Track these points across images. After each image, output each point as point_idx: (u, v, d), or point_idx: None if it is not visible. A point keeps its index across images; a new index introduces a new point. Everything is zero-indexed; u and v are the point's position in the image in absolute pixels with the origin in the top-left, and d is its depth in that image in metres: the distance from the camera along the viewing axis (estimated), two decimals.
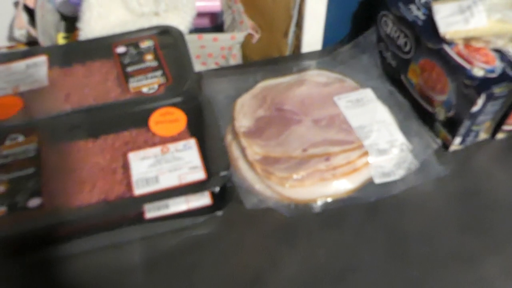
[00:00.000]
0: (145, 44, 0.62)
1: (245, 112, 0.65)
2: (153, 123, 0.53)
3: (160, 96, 0.56)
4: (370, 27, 0.74)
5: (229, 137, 0.63)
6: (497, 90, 0.56)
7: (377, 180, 0.59)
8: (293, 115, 0.65)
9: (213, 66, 0.77)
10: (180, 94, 0.56)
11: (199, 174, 0.48)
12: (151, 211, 0.49)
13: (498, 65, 0.58)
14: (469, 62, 0.58)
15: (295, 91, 0.68)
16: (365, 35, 0.74)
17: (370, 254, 0.53)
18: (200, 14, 0.78)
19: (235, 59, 0.77)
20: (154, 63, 0.60)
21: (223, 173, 0.48)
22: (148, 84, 0.57)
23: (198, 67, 0.76)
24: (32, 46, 0.78)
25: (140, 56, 0.61)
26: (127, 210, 0.47)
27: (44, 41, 0.73)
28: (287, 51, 0.79)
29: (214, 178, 0.48)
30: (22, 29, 0.78)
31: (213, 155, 0.50)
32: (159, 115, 0.53)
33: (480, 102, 0.56)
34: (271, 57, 0.80)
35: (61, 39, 0.77)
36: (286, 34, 0.77)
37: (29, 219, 0.45)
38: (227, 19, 0.78)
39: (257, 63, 0.79)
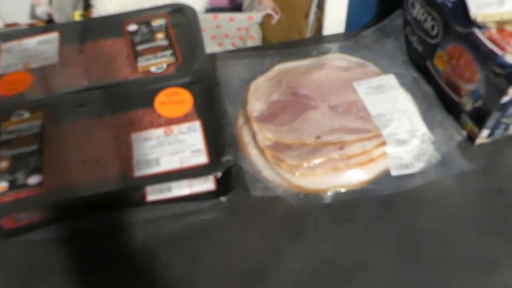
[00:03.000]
0: (157, 22, 0.60)
1: (258, 95, 0.63)
2: (158, 104, 0.51)
3: (168, 76, 0.54)
4: (396, 10, 0.69)
5: (240, 121, 0.61)
6: None
7: (394, 172, 0.55)
8: (308, 100, 0.62)
9: (229, 47, 0.75)
10: (188, 74, 0.54)
11: (201, 158, 0.46)
12: (153, 194, 0.47)
13: None
14: (502, 48, 0.53)
15: (313, 75, 0.65)
16: (391, 18, 0.69)
17: (381, 252, 0.50)
18: None
19: (253, 40, 0.74)
20: (165, 42, 0.58)
21: (226, 158, 0.46)
22: (157, 63, 0.55)
23: (214, 48, 0.73)
24: (51, 23, 0.78)
25: (151, 34, 0.59)
26: (125, 192, 0.46)
27: (59, 18, 0.72)
28: (308, 33, 0.75)
29: (216, 163, 0.46)
30: (40, 6, 0.77)
31: (217, 139, 0.48)
32: (165, 96, 0.51)
33: (511, 92, 0.52)
34: (291, 40, 0.77)
35: (77, 17, 0.76)
36: (307, 15, 0.74)
37: (28, 197, 0.44)
38: (246, 0, 0.75)
39: (275, 45, 0.76)
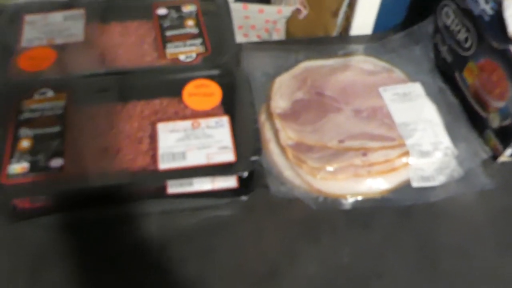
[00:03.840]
0: (188, 8, 0.59)
1: (282, 92, 0.62)
2: (186, 95, 0.50)
3: (197, 66, 0.53)
4: (428, 17, 0.68)
5: (262, 117, 0.60)
6: None
7: (415, 184, 0.55)
8: (333, 102, 0.61)
9: (254, 38, 0.73)
10: (218, 66, 0.53)
11: (229, 156, 0.46)
12: (174, 187, 0.47)
13: None
14: None
15: (338, 77, 0.64)
16: (421, 24, 0.68)
17: (398, 262, 0.50)
18: None
19: (279, 34, 0.73)
20: (195, 30, 0.56)
21: (253, 158, 0.45)
22: (186, 51, 0.54)
23: (239, 38, 0.72)
24: None
25: (180, 20, 0.58)
26: (149, 184, 0.45)
27: None
28: (335, 32, 0.74)
29: (243, 162, 0.45)
30: None
31: (245, 137, 0.47)
32: (194, 87, 0.50)
33: None
34: (316, 36, 0.75)
35: None
36: (336, 13, 0.72)
37: (49, 181, 0.43)
38: None
39: (301, 41, 0.75)
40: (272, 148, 0.57)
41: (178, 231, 0.50)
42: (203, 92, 0.50)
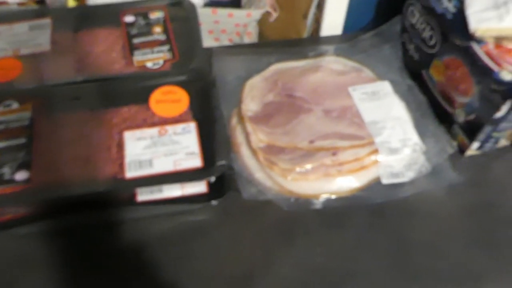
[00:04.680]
0: (155, 15, 0.59)
1: (254, 95, 0.62)
2: (153, 102, 0.50)
3: (164, 73, 0.53)
4: (396, 16, 0.69)
5: (234, 121, 0.60)
6: None
7: (385, 181, 0.56)
8: (303, 103, 0.61)
9: (226, 42, 0.74)
10: (185, 72, 0.53)
11: (196, 162, 0.46)
12: (144, 194, 0.47)
13: None
14: (498, 64, 0.54)
15: (308, 78, 0.64)
16: (389, 23, 0.69)
17: (371, 260, 0.50)
18: None
19: (250, 37, 0.73)
20: (162, 37, 0.57)
21: (220, 163, 0.45)
22: (154, 58, 0.54)
23: (210, 42, 0.72)
24: (41, 4, 0.75)
25: (148, 27, 0.58)
26: (116, 193, 0.45)
27: (51, 2, 0.70)
28: (305, 33, 0.75)
29: (210, 168, 0.45)
30: None
31: (213, 142, 0.47)
32: (161, 94, 0.50)
33: (504, 108, 0.52)
34: (288, 38, 0.76)
35: (71, 1, 0.74)
36: (305, 15, 0.73)
37: (13, 194, 0.43)
38: None
39: (272, 43, 0.76)
40: (244, 151, 0.57)
41: (152, 237, 0.50)
42: (170, 99, 0.50)
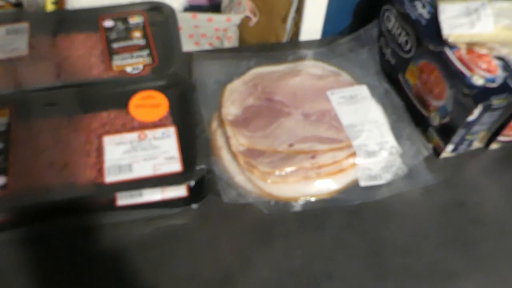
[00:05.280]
0: (134, 19, 0.59)
1: (234, 99, 0.63)
2: (133, 107, 0.50)
3: (144, 78, 0.53)
4: (372, 21, 0.71)
5: (214, 125, 0.61)
6: (496, 101, 0.53)
7: (363, 183, 0.57)
8: (283, 107, 0.62)
9: (206, 46, 0.74)
10: (164, 77, 0.53)
11: (175, 166, 0.46)
12: (123, 199, 0.47)
13: (499, 74, 0.55)
14: (470, 69, 0.56)
15: (288, 82, 0.65)
16: (366, 28, 0.71)
17: (347, 261, 0.51)
18: None
19: (230, 41, 0.74)
20: (142, 41, 0.57)
21: (200, 167, 0.46)
22: (133, 63, 0.54)
23: (191, 46, 0.72)
24: (19, 8, 0.74)
25: (127, 32, 0.58)
26: (96, 198, 0.45)
27: (29, 5, 0.69)
28: (285, 38, 0.76)
29: (190, 172, 0.46)
30: None
31: (193, 147, 0.48)
32: (140, 99, 0.51)
33: (476, 112, 0.54)
34: (268, 43, 0.77)
35: (50, 5, 0.73)
36: (284, 20, 0.74)
37: None
38: None
39: (252, 48, 0.76)
40: (224, 155, 0.58)
41: (132, 241, 0.50)
42: (149, 104, 0.50)
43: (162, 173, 0.46)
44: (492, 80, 0.55)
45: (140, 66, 0.54)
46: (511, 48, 0.57)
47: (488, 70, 0.56)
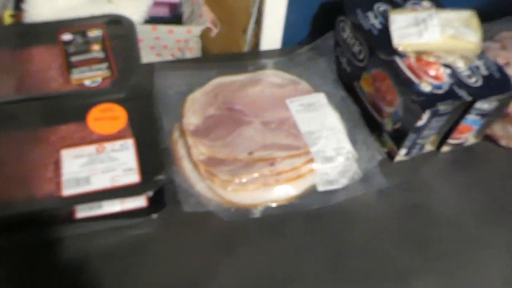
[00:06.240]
0: (94, 33, 0.60)
1: (194, 109, 0.64)
2: (91, 120, 0.51)
3: (103, 91, 0.54)
4: (329, 31, 0.73)
5: (176, 134, 0.62)
6: (442, 107, 0.56)
7: (321, 188, 0.59)
8: (243, 116, 0.64)
9: (168, 57, 0.75)
10: (123, 90, 0.54)
11: (133, 177, 0.47)
12: (82, 211, 0.47)
13: (446, 81, 0.59)
14: (418, 77, 0.59)
15: (248, 91, 0.67)
16: (323, 38, 0.73)
17: (308, 265, 0.53)
18: (159, 3, 0.76)
19: (192, 52, 0.75)
20: (101, 55, 0.57)
21: (158, 178, 0.47)
22: (92, 76, 0.55)
23: (152, 58, 0.73)
24: None
25: (86, 45, 0.58)
26: (53, 211, 0.46)
27: None
28: (246, 48, 0.78)
29: (148, 182, 0.47)
30: None
31: (152, 157, 0.49)
32: (99, 111, 0.51)
33: (425, 117, 0.57)
34: (229, 53, 0.79)
35: (8, 18, 0.73)
36: (245, 30, 0.76)
37: None
38: (186, 10, 0.76)
39: (214, 58, 0.78)
40: (185, 165, 0.59)
41: (93, 253, 0.51)
42: (108, 116, 0.51)
43: (120, 185, 0.46)
44: (439, 87, 0.58)
45: (99, 79, 0.55)
46: (456, 56, 0.61)
47: (435, 78, 0.59)
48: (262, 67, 0.72)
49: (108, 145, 0.49)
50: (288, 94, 0.67)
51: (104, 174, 0.47)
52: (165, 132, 0.61)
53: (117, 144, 0.49)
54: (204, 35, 0.79)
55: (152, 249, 0.52)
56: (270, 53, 0.77)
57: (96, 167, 0.47)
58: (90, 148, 0.49)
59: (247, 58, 0.73)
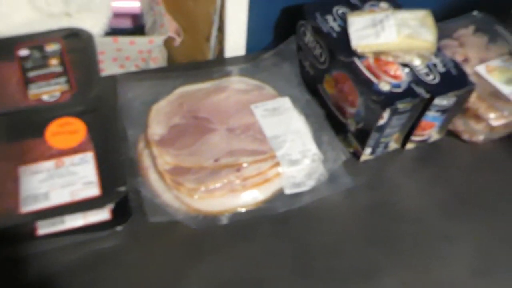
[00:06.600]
0: (51, 47, 0.59)
1: (159, 119, 0.64)
2: (49, 135, 0.50)
3: (61, 105, 0.53)
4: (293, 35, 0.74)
5: (141, 146, 0.61)
6: (401, 105, 0.57)
7: (288, 191, 0.59)
8: (208, 124, 0.64)
9: (132, 68, 0.75)
10: (83, 103, 0.53)
11: (93, 191, 0.47)
12: (44, 227, 0.47)
13: (404, 80, 0.60)
14: (377, 77, 0.60)
15: (212, 98, 0.67)
16: (286, 43, 0.74)
17: (277, 267, 0.53)
18: (120, 15, 0.76)
19: (156, 62, 0.75)
20: (59, 69, 0.57)
21: (119, 189, 0.47)
22: (50, 91, 0.54)
23: (115, 70, 0.73)
24: None
25: (44, 60, 0.58)
26: (12, 228, 0.45)
27: None
28: (210, 55, 0.78)
29: (109, 195, 0.46)
30: None
31: (113, 169, 0.48)
32: (57, 126, 0.51)
33: (385, 116, 0.58)
34: (194, 61, 0.79)
35: None
36: (208, 38, 0.76)
37: None
38: (148, 21, 0.76)
39: (178, 67, 0.78)
40: (151, 175, 0.58)
41: (59, 269, 0.50)
42: (67, 130, 0.50)
43: (79, 199, 0.46)
44: (398, 86, 0.59)
45: (57, 94, 0.54)
46: (413, 55, 0.62)
47: (394, 77, 0.60)
48: (227, 74, 0.72)
49: (67, 160, 0.48)
50: (253, 100, 0.67)
51: (63, 188, 0.46)
52: (131, 143, 0.61)
53: (77, 158, 0.48)
54: (169, 45, 0.79)
55: (119, 262, 0.52)
56: (235, 60, 0.77)
57: (55, 182, 0.47)
58: (49, 164, 0.48)
59: (212, 66, 0.73)
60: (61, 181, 0.47)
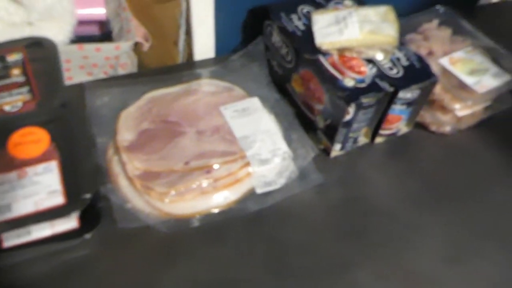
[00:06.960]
0: (13, 57, 0.58)
1: (128, 125, 0.64)
2: (12, 145, 0.49)
3: (23, 115, 0.52)
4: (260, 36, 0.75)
5: (110, 152, 0.61)
6: (366, 100, 0.58)
7: (259, 190, 0.60)
8: (177, 127, 0.64)
9: (101, 75, 0.74)
10: (46, 112, 0.53)
11: (57, 199, 0.46)
12: (10, 239, 0.46)
13: (368, 75, 0.61)
14: (342, 73, 0.60)
15: (182, 102, 0.67)
16: (254, 43, 0.74)
17: (250, 267, 0.53)
18: (85, 22, 0.75)
19: (125, 67, 0.75)
20: (21, 78, 0.56)
21: (84, 197, 0.46)
22: (12, 101, 0.54)
23: (83, 77, 0.72)
24: None
25: (5, 70, 0.57)
26: None
27: None
28: (179, 59, 0.78)
29: (73, 203, 0.46)
30: None
31: (78, 177, 0.48)
32: (19, 136, 0.50)
33: (351, 111, 0.58)
34: (163, 66, 0.78)
35: None
36: (176, 42, 0.76)
37: None
38: (115, 27, 0.76)
39: (147, 72, 0.78)
40: (121, 181, 0.58)
41: (30, 282, 0.49)
42: (29, 140, 0.50)
43: (44, 208, 0.45)
44: (362, 81, 0.60)
45: (20, 104, 0.53)
46: (376, 50, 0.63)
47: (358, 72, 0.61)
48: (196, 77, 0.72)
49: (30, 170, 0.48)
50: (223, 101, 0.67)
51: (26, 199, 0.46)
52: (100, 150, 0.61)
53: (40, 167, 0.48)
54: (139, 50, 0.79)
55: (91, 271, 0.51)
56: (205, 63, 0.77)
57: (18, 194, 0.46)
58: (11, 175, 0.47)
59: (182, 69, 0.73)
60: (24, 191, 0.46)
